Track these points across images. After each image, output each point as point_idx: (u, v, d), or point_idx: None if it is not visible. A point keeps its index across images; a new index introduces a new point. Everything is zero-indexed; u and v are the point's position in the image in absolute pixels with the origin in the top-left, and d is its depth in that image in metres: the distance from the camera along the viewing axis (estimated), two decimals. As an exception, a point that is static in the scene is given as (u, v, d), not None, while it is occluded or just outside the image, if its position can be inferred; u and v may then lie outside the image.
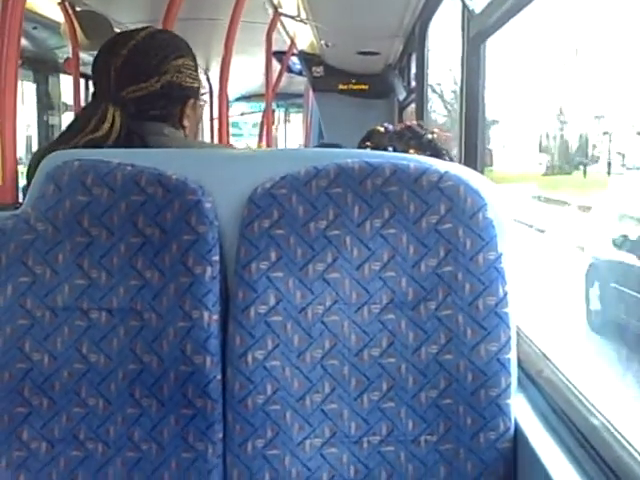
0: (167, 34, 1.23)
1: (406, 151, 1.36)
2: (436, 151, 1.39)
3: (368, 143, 1.42)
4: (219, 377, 0.95)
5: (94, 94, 1.15)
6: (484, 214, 0.96)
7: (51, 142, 1.14)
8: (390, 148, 1.37)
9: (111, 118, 1.10)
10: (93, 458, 0.96)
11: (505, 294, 0.96)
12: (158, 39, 1.17)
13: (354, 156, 0.98)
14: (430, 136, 1.43)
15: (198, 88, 1.21)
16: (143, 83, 1.12)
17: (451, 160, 1.38)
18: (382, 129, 1.45)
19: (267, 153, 1.28)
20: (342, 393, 0.97)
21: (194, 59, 1.20)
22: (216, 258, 0.95)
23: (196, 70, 1.20)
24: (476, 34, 1.86)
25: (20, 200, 1.43)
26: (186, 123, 1.19)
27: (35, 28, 4.12)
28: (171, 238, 0.95)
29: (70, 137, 1.10)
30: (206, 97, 5.91)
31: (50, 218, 0.96)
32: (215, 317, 0.95)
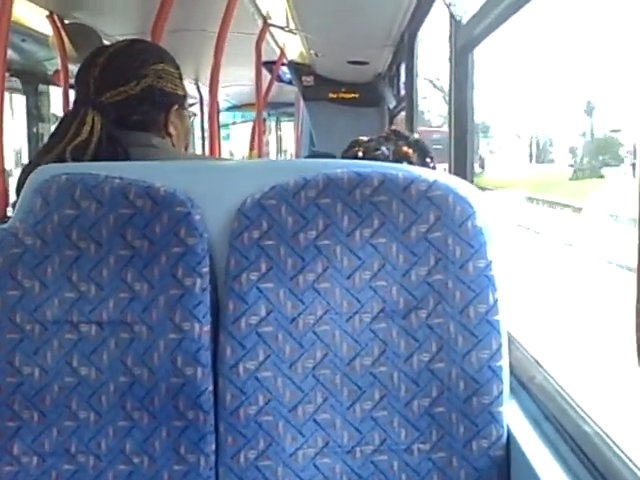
0: (146, 42, 1.24)
1: (397, 151, 1.38)
2: (423, 151, 1.42)
3: (356, 149, 1.42)
4: (210, 388, 0.95)
5: (74, 102, 1.15)
6: (473, 222, 0.96)
7: (37, 153, 1.14)
8: (383, 148, 1.38)
9: (90, 121, 1.10)
10: (85, 472, 0.96)
11: (495, 301, 0.97)
12: (136, 46, 1.18)
13: (343, 166, 0.99)
14: (416, 135, 1.45)
15: (183, 96, 1.21)
16: (122, 87, 1.12)
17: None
18: (365, 138, 1.47)
19: (256, 164, 1.28)
20: (334, 403, 0.96)
21: (177, 67, 1.20)
22: (206, 270, 0.95)
23: (180, 78, 1.20)
24: (464, 44, 1.88)
25: (9, 214, 1.43)
26: (172, 131, 1.19)
27: (24, 40, 4.12)
28: (160, 250, 0.95)
29: (53, 145, 1.10)
30: (197, 107, 5.92)
31: (38, 232, 0.96)
32: (206, 329, 0.95)
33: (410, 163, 1.36)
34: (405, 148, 1.39)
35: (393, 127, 1.56)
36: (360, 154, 1.38)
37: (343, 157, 1.43)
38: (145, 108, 1.14)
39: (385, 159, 1.35)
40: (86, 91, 1.13)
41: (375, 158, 1.33)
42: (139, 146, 1.13)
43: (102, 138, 1.10)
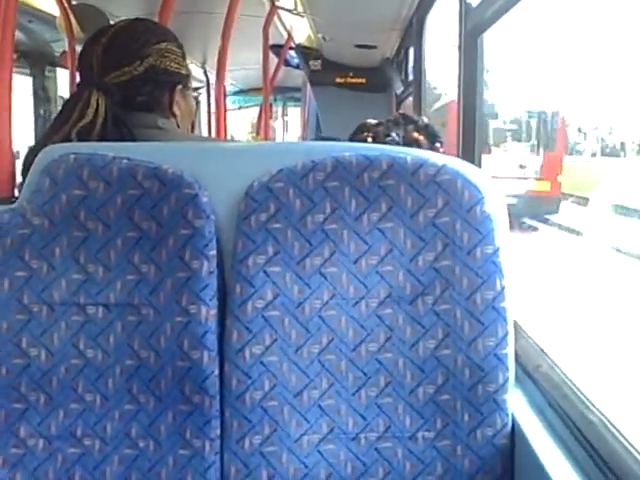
0: (148, 21, 1.22)
1: (407, 136, 1.36)
2: (432, 135, 1.39)
3: (366, 134, 1.40)
4: (216, 373, 0.95)
5: (78, 84, 1.14)
6: (481, 208, 0.96)
7: (43, 134, 1.13)
8: (393, 134, 1.36)
9: (95, 103, 1.09)
10: (90, 455, 0.96)
11: (502, 288, 0.96)
12: (138, 25, 1.17)
13: (351, 149, 0.98)
14: (425, 120, 1.43)
15: (187, 75, 1.20)
16: (126, 67, 1.12)
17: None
18: (373, 121, 1.44)
19: (263, 147, 1.27)
20: (339, 389, 0.96)
21: (180, 47, 1.19)
22: (213, 252, 0.95)
23: (183, 57, 1.19)
24: (473, 27, 1.85)
25: (16, 194, 1.42)
26: (177, 111, 1.18)
27: (31, 21, 4.10)
28: (168, 232, 0.95)
29: (58, 127, 1.10)
30: (203, 90, 5.89)
31: (46, 212, 0.95)
32: (212, 312, 0.94)
33: (419, 147, 1.34)
34: (415, 134, 1.36)
35: (401, 111, 1.53)
36: (370, 140, 1.36)
37: (351, 140, 1.41)
38: (149, 88, 1.14)
39: (395, 145, 1.33)
40: (90, 72, 1.13)
41: (385, 144, 1.31)
42: (144, 127, 1.13)
43: (107, 119, 1.09)
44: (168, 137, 1.13)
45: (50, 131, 1.11)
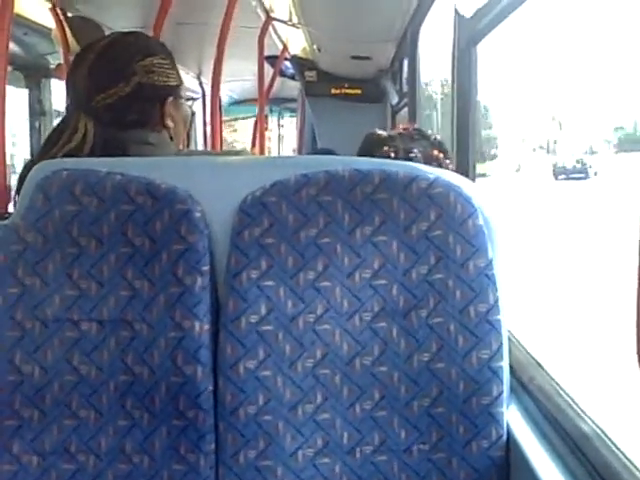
0: (132, 36, 1.19)
1: (428, 152, 1.33)
2: (443, 151, 1.36)
3: (386, 148, 1.35)
4: (210, 388, 0.95)
5: (67, 107, 1.14)
6: (474, 221, 0.96)
7: (34, 156, 1.13)
8: (415, 150, 1.33)
9: (83, 128, 1.09)
10: (84, 471, 0.96)
11: (496, 301, 0.96)
12: (120, 43, 1.16)
13: (344, 163, 0.98)
14: (438, 136, 1.40)
15: (177, 86, 1.18)
16: (112, 90, 1.11)
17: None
18: (381, 132, 1.42)
19: (257, 161, 1.27)
20: (334, 403, 0.96)
21: (168, 56, 1.17)
22: (206, 268, 0.95)
23: (173, 68, 1.17)
24: (467, 38, 1.87)
25: (10, 210, 1.42)
26: (170, 123, 1.17)
27: (26, 34, 4.11)
28: (161, 248, 0.95)
29: (47, 150, 1.10)
30: (199, 102, 5.90)
31: (39, 228, 0.95)
32: (206, 327, 0.94)
33: (439, 166, 1.27)
34: (435, 152, 1.33)
35: (405, 125, 1.49)
36: (392, 155, 1.33)
37: (364, 154, 1.33)
38: (139, 106, 1.13)
39: (417, 162, 1.29)
40: (76, 95, 1.12)
41: (407, 159, 1.28)
42: (135, 144, 1.13)
43: (96, 145, 1.09)
44: (157, 153, 1.13)
45: (40, 153, 1.11)
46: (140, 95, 1.12)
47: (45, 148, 1.11)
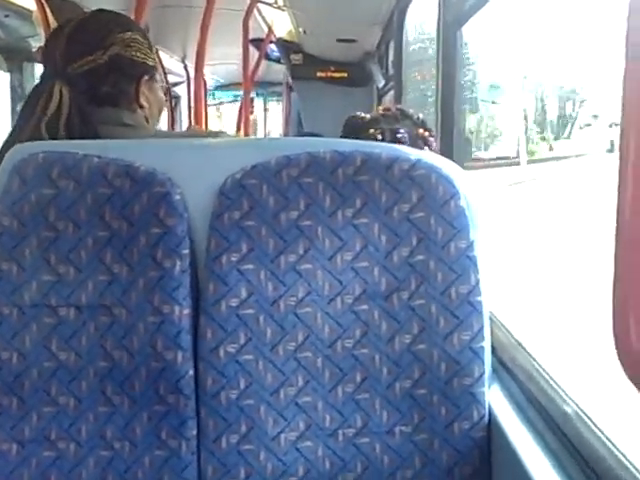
0: (111, 12, 1.19)
1: (414, 131, 1.32)
2: (429, 129, 1.35)
3: (372, 131, 1.32)
4: (191, 372, 0.94)
5: (41, 76, 1.12)
6: (456, 202, 0.95)
7: (11, 132, 1.11)
8: (402, 131, 1.32)
9: (58, 94, 1.07)
10: (65, 458, 0.95)
11: (477, 282, 0.96)
12: (102, 16, 1.16)
13: (326, 145, 0.97)
14: (421, 115, 1.39)
15: (153, 67, 1.17)
16: (89, 57, 1.09)
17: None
18: (364, 115, 1.40)
19: (237, 143, 1.25)
20: (316, 385, 0.96)
21: (145, 37, 1.17)
22: (186, 251, 0.94)
23: (150, 49, 1.17)
24: (452, 21, 1.85)
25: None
26: (144, 103, 1.15)
27: (7, 16, 4.04)
28: (139, 231, 0.94)
29: (24, 123, 1.08)
30: (184, 85, 5.85)
31: (16, 213, 0.94)
32: (186, 311, 0.94)
33: (426, 144, 1.28)
34: (421, 130, 1.32)
35: (387, 106, 1.47)
36: (379, 137, 1.31)
37: (349, 137, 1.33)
38: (114, 78, 1.11)
39: (405, 142, 1.28)
40: (53, 64, 1.10)
41: (394, 141, 1.26)
42: (110, 124, 1.11)
43: (72, 112, 1.07)
44: (133, 134, 1.11)
45: (17, 127, 1.09)
46: (116, 67, 1.11)
47: (20, 121, 1.09)
